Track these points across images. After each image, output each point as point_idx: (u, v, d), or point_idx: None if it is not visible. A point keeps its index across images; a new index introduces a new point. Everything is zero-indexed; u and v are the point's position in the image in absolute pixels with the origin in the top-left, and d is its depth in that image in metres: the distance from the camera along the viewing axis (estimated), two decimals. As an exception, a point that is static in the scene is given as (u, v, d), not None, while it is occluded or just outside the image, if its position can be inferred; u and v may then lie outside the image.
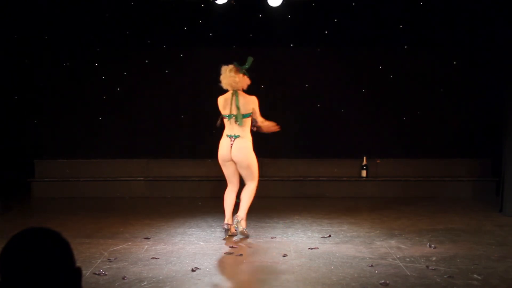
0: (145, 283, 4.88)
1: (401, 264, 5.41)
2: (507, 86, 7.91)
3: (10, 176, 9.29)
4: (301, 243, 6.28)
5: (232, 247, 6.08)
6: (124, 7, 9.10)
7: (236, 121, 6.32)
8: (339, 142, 9.60)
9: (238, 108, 6.31)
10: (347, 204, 8.61)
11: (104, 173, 9.42)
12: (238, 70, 6.37)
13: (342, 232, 6.77)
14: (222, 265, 5.60)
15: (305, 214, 7.80)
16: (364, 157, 9.30)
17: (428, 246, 6.06)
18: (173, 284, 4.86)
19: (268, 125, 6.61)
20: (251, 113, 6.39)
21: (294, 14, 9.11)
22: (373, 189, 9.30)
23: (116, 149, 9.62)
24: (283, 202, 8.76)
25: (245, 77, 6.43)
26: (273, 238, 6.52)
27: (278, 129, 6.66)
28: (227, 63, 6.46)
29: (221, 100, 6.46)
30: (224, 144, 6.43)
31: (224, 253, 5.90)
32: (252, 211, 7.25)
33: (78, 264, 1.90)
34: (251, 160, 6.39)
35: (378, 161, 9.46)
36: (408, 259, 5.56)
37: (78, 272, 1.88)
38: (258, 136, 6.72)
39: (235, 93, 6.37)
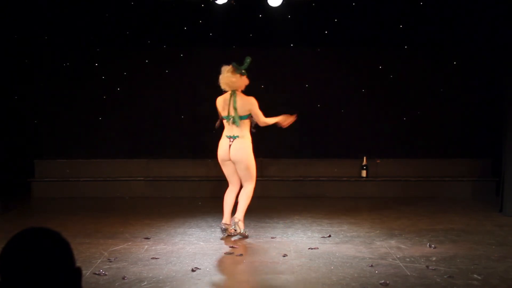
0: (145, 283, 4.88)
1: (401, 264, 5.41)
2: (507, 86, 7.91)
3: (10, 176, 9.29)
4: (301, 243, 6.28)
5: (232, 247, 6.08)
6: (124, 7, 9.10)
7: (233, 122, 6.33)
8: (339, 142, 9.60)
9: (235, 109, 6.31)
10: (347, 204, 8.61)
11: (104, 173, 9.42)
12: (235, 71, 6.37)
13: (342, 232, 6.77)
14: (222, 265, 5.60)
15: (305, 214, 7.80)
16: (364, 157, 9.30)
17: (428, 246, 6.06)
18: (173, 284, 4.86)
19: (282, 120, 6.63)
20: (250, 114, 6.39)
21: (294, 14, 9.11)
22: (373, 189, 9.30)
23: (116, 149, 9.62)
24: (283, 202, 8.76)
25: (243, 77, 6.42)
26: (273, 238, 6.52)
27: (295, 118, 6.68)
28: (227, 63, 6.46)
29: (220, 101, 6.46)
30: (223, 144, 6.44)
31: (224, 253, 5.90)
32: (252, 211, 7.25)
33: (78, 264, 1.90)
34: (249, 161, 6.39)
35: (378, 161, 9.46)
36: (408, 259, 5.56)
37: (78, 272, 1.88)
38: (258, 136, 6.73)
39: (233, 93, 6.38)
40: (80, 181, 9.35)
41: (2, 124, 9.31)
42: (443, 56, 9.54)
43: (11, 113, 9.54)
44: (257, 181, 6.64)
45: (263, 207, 8.14)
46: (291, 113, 6.74)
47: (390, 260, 5.55)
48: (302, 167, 9.49)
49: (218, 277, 5.16)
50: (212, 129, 6.75)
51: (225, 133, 6.45)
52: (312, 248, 5.99)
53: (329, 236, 6.56)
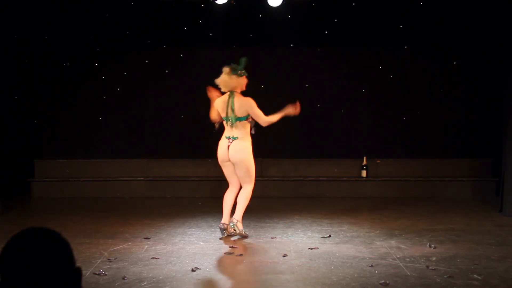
0: (145, 283, 4.88)
1: (401, 264, 5.41)
2: (507, 86, 7.91)
3: (10, 176, 9.29)
4: (301, 243, 6.28)
5: (232, 247, 6.08)
6: (124, 7, 9.10)
7: (231, 123, 6.35)
8: (339, 142, 9.60)
9: (232, 110, 6.33)
10: (347, 204, 8.60)
11: (104, 173, 9.42)
12: (231, 72, 6.38)
13: (342, 232, 6.77)
14: (222, 265, 5.60)
15: (305, 214, 7.80)
16: (364, 157, 9.30)
17: (428, 246, 6.06)
18: (173, 284, 4.86)
19: (291, 110, 6.56)
20: (248, 115, 6.38)
21: (294, 14, 9.11)
22: (373, 189, 9.30)
23: (116, 149, 9.62)
24: (283, 202, 8.76)
25: (241, 78, 6.40)
26: (273, 238, 6.52)
27: (298, 107, 6.60)
28: (227, 63, 6.48)
29: (219, 102, 6.47)
30: (222, 145, 6.45)
31: (224, 253, 5.90)
32: (252, 211, 7.26)
33: (78, 264, 1.90)
34: (248, 162, 6.39)
35: (378, 161, 9.46)
36: (408, 259, 5.56)
37: (78, 272, 1.88)
38: (258, 137, 6.72)
39: (231, 94, 6.39)
40: (80, 181, 9.35)
41: (2, 124, 9.31)
42: (443, 56, 9.54)
43: (11, 113, 9.54)
44: (256, 181, 6.65)
45: (263, 207, 8.14)
46: (292, 103, 6.65)
47: (390, 260, 5.55)
48: (302, 167, 9.49)
49: (218, 277, 5.16)
50: (212, 129, 6.76)
51: (225, 134, 6.47)
52: (312, 248, 5.99)
53: (329, 236, 6.56)
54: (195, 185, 9.33)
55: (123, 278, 4.98)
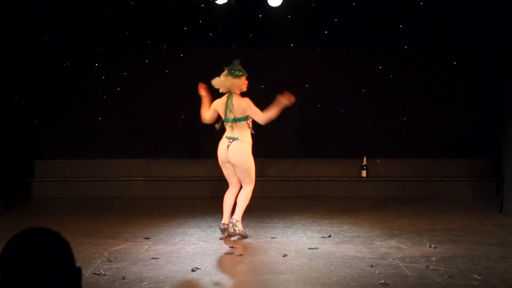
0: (145, 283, 4.87)
1: (401, 264, 5.40)
2: (507, 86, 7.91)
3: (10, 176, 9.29)
4: (301, 243, 6.28)
5: (232, 247, 6.08)
6: (124, 7, 9.10)
7: (230, 124, 6.36)
8: (339, 142, 9.60)
9: (230, 111, 6.34)
10: (347, 204, 8.60)
11: (104, 173, 9.42)
12: (228, 73, 6.40)
13: (342, 232, 6.77)
14: (222, 265, 5.60)
15: (305, 214, 7.80)
16: (364, 157, 9.30)
17: (428, 246, 6.06)
18: (173, 284, 4.86)
19: (282, 100, 6.34)
20: (247, 116, 6.39)
21: (294, 14, 9.11)
22: (373, 189, 9.30)
23: (116, 149, 9.62)
24: (283, 202, 8.76)
25: (236, 79, 6.39)
26: (273, 238, 6.52)
27: (289, 95, 6.40)
28: (227, 63, 6.49)
29: (218, 104, 6.48)
30: (222, 145, 6.47)
31: (224, 253, 5.90)
32: (252, 211, 7.26)
33: (78, 264, 1.90)
34: (247, 163, 6.39)
35: (378, 161, 9.46)
36: (408, 259, 5.56)
37: (78, 272, 1.88)
38: (258, 137, 6.72)
39: (229, 96, 6.40)
40: (80, 181, 9.35)
41: (2, 124, 9.31)
42: (443, 56, 9.54)
43: (11, 113, 9.54)
44: (256, 181, 6.65)
45: (263, 207, 8.15)
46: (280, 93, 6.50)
47: (390, 260, 5.55)
48: (302, 167, 9.49)
49: (218, 277, 5.15)
50: (212, 129, 6.76)
51: (225, 134, 6.49)
52: (312, 248, 5.99)
53: (329, 236, 6.56)
54: (195, 185, 9.33)
55: (123, 278, 4.98)
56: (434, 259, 5.55)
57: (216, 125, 6.57)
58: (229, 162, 6.42)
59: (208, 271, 5.25)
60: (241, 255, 5.81)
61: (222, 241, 6.36)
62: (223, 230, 6.48)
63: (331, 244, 6.22)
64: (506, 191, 7.76)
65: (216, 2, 8.42)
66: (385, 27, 9.25)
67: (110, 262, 5.50)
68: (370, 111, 9.56)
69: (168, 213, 7.89)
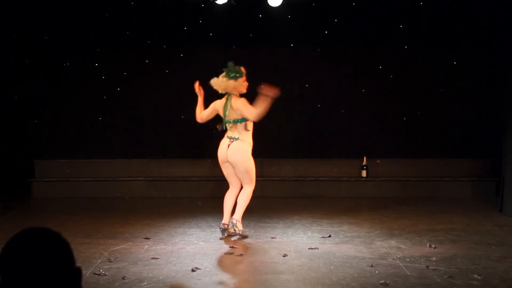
0: (145, 283, 4.87)
1: (401, 264, 5.40)
2: (507, 86, 7.91)
3: (10, 176, 9.29)
4: (301, 243, 6.28)
5: (232, 247, 6.08)
6: (124, 7, 9.10)
7: (230, 125, 6.37)
8: (339, 142, 9.60)
9: (228, 112, 6.35)
10: (347, 204, 8.60)
11: (104, 173, 9.42)
12: (224, 74, 6.41)
13: (342, 232, 6.77)
14: (222, 265, 5.59)
15: (305, 214, 7.80)
16: (364, 157, 9.30)
17: (428, 246, 6.06)
18: (173, 284, 4.86)
19: (267, 94, 6.26)
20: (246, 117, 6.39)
21: (294, 14, 9.11)
22: (373, 189, 9.30)
23: (116, 149, 9.62)
24: (283, 202, 8.76)
25: (231, 81, 6.39)
26: (273, 238, 6.52)
27: (270, 87, 6.32)
28: (227, 63, 6.49)
29: (219, 105, 6.49)
30: (223, 144, 6.48)
31: (224, 253, 5.90)
32: (252, 211, 7.26)
33: (78, 264, 1.90)
34: (247, 164, 6.39)
35: (378, 161, 9.46)
36: (408, 259, 5.55)
37: (78, 272, 1.88)
38: (258, 137, 6.72)
39: (228, 97, 6.41)
40: (80, 181, 9.35)
41: (2, 124, 9.31)
42: (443, 56, 9.54)
43: (11, 113, 9.54)
44: (256, 181, 6.64)
45: (263, 207, 8.15)
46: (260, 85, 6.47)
47: (390, 260, 5.55)
48: (302, 167, 9.49)
49: (218, 277, 5.15)
50: (212, 129, 6.76)
51: (227, 134, 6.49)
52: (312, 248, 5.99)
53: (329, 236, 6.56)
54: (195, 185, 9.33)
55: (123, 278, 4.98)
56: (434, 259, 5.55)
57: (218, 126, 6.56)
58: (228, 161, 6.42)
59: (208, 271, 5.25)
60: (241, 255, 5.81)
61: (222, 241, 6.36)
62: (223, 230, 6.48)
63: (331, 244, 6.22)
64: (506, 191, 7.76)
65: (216, 2, 8.42)
66: (385, 27, 9.25)
67: (110, 262, 5.50)
68: (370, 111, 9.56)
69: (168, 213, 7.89)
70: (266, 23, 9.18)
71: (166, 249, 5.98)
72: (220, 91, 6.48)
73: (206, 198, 8.99)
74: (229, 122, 6.41)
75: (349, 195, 9.18)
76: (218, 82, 6.43)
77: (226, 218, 6.51)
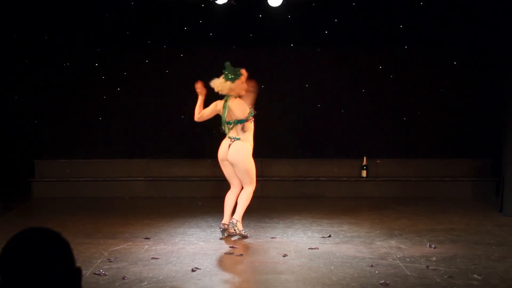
0: (145, 283, 4.87)
1: (401, 264, 5.40)
2: (507, 86, 7.91)
3: (10, 176, 9.29)
4: (301, 243, 6.28)
5: (232, 247, 6.08)
6: (124, 7, 9.10)
7: (229, 127, 6.38)
8: (339, 142, 9.60)
9: (227, 114, 6.35)
10: (347, 204, 8.60)
11: (104, 173, 9.42)
12: (223, 76, 6.41)
13: (342, 232, 6.77)
14: (222, 265, 5.59)
15: (305, 214, 7.80)
16: (364, 157, 9.30)
17: (428, 246, 6.06)
18: (173, 284, 4.86)
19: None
20: (247, 117, 6.39)
21: (294, 14, 9.11)
22: (373, 189, 9.30)
23: (116, 149, 9.62)
24: (283, 202, 8.76)
25: (228, 82, 6.38)
26: (273, 238, 6.52)
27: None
28: (224, 64, 6.50)
29: (219, 105, 6.49)
30: (223, 144, 6.49)
31: (224, 253, 5.90)
32: (252, 211, 7.26)
33: (78, 264, 1.90)
34: (247, 164, 6.39)
35: (378, 161, 9.46)
36: (408, 259, 5.56)
37: (78, 272, 1.88)
38: (258, 137, 6.72)
39: (226, 98, 6.42)
40: (80, 181, 9.35)
41: (2, 124, 9.31)
42: (443, 56, 9.54)
43: (11, 113, 9.54)
44: (256, 182, 6.64)
45: (263, 207, 8.15)
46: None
47: (390, 260, 5.55)
48: (302, 167, 9.49)
49: (218, 277, 5.15)
50: (212, 129, 6.76)
51: (228, 134, 6.49)
52: (312, 248, 5.99)
53: (329, 236, 6.56)
54: (195, 185, 9.33)
55: (123, 278, 4.98)
56: (434, 259, 5.55)
57: (221, 128, 6.56)
58: (228, 160, 6.42)
59: (208, 271, 5.25)
60: (241, 255, 5.81)
61: (222, 241, 6.36)
62: (223, 230, 6.48)
63: (331, 244, 6.22)
64: (506, 191, 7.76)
65: (216, 2, 8.42)
66: (385, 27, 9.25)
67: (110, 262, 5.50)
68: (370, 111, 9.56)
69: (168, 213, 7.89)
70: (266, 23, 9.18)
71: (166, 249, 5.98)
72: (221, 93, 6.48)
73: (206, 198, 8.98)
74: (230, 123, 6.42)
75: (349, 195, 9.18)
76: (217, 83, 6.44)
77: (226, 218, 6.51)
